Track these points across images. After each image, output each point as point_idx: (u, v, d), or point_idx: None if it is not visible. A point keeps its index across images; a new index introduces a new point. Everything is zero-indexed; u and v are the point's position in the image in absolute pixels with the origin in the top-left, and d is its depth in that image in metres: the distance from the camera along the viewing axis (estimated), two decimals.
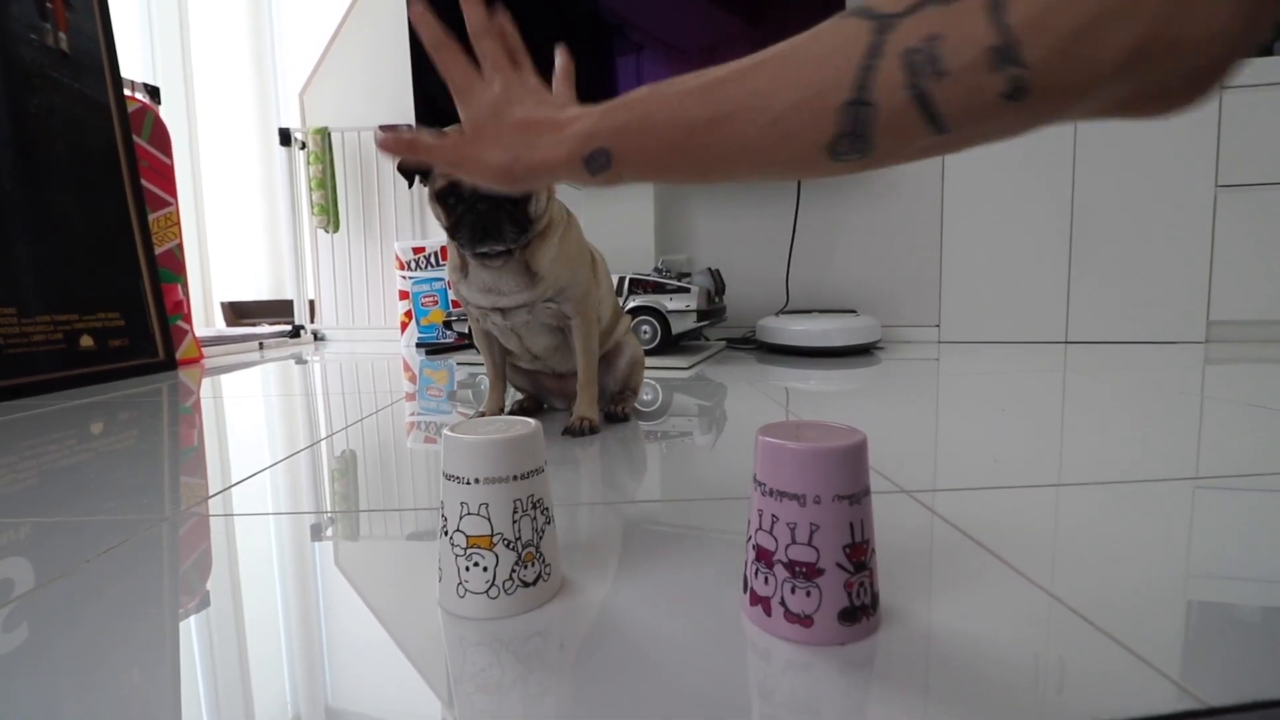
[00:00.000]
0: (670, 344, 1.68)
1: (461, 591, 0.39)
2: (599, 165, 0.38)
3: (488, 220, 0.79)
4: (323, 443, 0.89)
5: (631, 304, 1.68)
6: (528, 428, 0.41)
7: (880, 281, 2.10)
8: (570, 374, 0.94)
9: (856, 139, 0.29)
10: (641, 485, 0.68)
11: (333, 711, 0.33)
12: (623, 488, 0.67)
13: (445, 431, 0.40)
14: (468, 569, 0.39)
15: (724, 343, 2.02)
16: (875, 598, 0.37)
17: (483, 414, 0.94)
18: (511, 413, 0.99)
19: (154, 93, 1.95)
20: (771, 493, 0.36)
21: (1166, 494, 0.60)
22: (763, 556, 0.37)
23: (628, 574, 0.46)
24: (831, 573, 0.35)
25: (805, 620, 0.35)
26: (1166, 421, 0.90)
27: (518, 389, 1.04)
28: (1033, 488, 0.62)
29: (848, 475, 0.35)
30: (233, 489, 0.68)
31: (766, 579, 0.37)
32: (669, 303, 1.66)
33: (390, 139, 0.45)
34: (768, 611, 0.37)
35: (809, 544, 0.35)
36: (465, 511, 0.39)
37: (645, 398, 1.15)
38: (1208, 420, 0.89)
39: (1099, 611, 0.39)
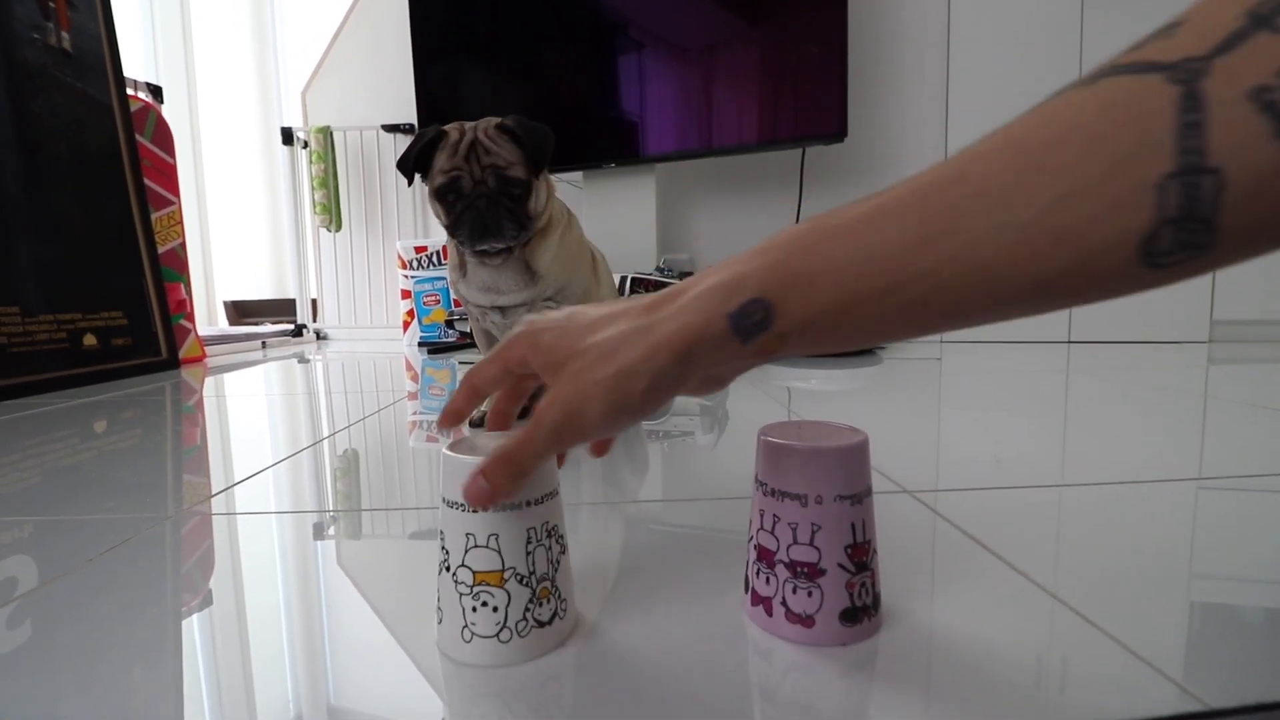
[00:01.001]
0: None
1: (467, 635, 0.34)
2: (753, 324, 0.27)
3: (487, 217, 0.79)
4: (325, 441, 0.89)
5: None
6: None
7: None
8: None
9: (1190, 226, 0.20)
10: (643, 485, 0.68)
11: (335, 710, 0.33)
12: (624, 487, 0.67)
13: (444, 451, 0.35)
14: (474, 609, 0.34)
15: None
16: (877, 598, 0.37)
17: (484, 413, 0.94)
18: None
19: (157, 92, 1.95)
20: (773, 493, 0.36)
21: (1169, 494, 0.60)
22: (764, 556, 0.37)
23: (628, 577, 0.46)
24: (833, 573, 0.35)
25: (807, 620, 0.35)
26: (1169, 422, 0.90)
27: None
28: (1035, 488, 0.62)
29: (849, 475, 0.35)
30: (235, 488, 0.68)
31: (768, 579, 0.36)
32: None
33: (474, 491, 0.32)
34: (769, 612, 0.36)
35: (810, 544, 0.35)
36: (472, 544, 0.34)
37: None
38: (1211, 420, 0.89)
39: (1101, 612, 0.39)
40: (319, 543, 0.55)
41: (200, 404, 1.25)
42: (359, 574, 0.48)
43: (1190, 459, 0.71)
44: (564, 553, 0.37)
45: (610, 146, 1.94)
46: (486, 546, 0.34)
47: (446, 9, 2.05)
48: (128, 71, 1.76)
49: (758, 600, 0.37)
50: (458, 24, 2.06)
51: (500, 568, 0.34)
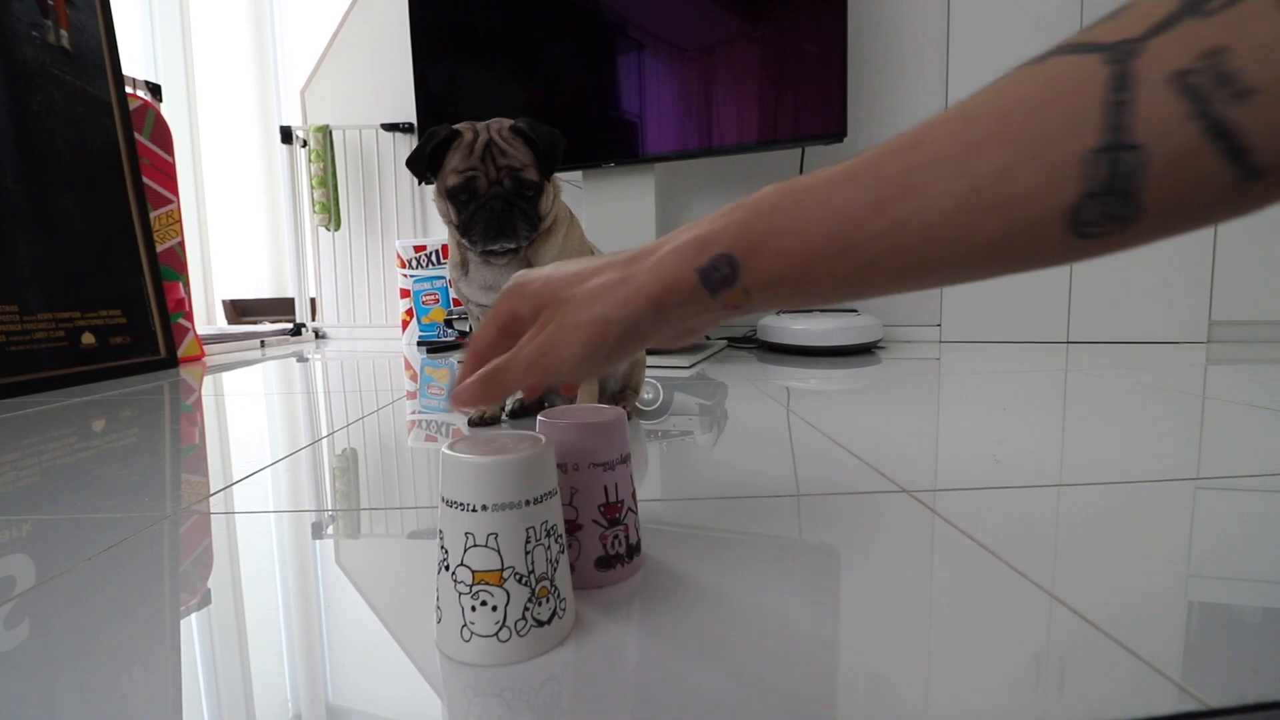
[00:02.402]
0: None
1: (466, 635, 0.35)
2: (720, 278, 0.29)
3: (501, 218, 0.79)
4: (324, 441, 0.89)
5: None
6: (538, 445, 0.36)
7: None
8: None
9: (1113, 198, 0.22)
10: (642, 485, 0.68)
11: (334, 710, 0.33)
12: None
13: (444, 450, 0.36)
14: (474, 608, 0.34)
15: (725, 342, 2.02)
16: (631, 548, 0.45)
17: (483, 413, 0.94)
18: (513, 412, 0.99)
19: (156, 90, 1.95)
20: (561, 466, 0.42)
21: (1168, 494, 0.60)
22: None
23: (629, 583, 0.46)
24: (589, 528, 0.42)
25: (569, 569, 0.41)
26: (1168, 422, 0.90)
27: None
28: (1034, 487, 0.62)
29: (602, 446, 0.42)
30: (234, 487, 0.68)
31: None
32: None
33: (464, 393, 0.37)
34: None
35: (570, 504, 0.42)
36: (471, 543, 0.34)
37: (646, 396, 1.15)
38: (1209, 421, 0.89)
39: (1100, 612, 0.39)
40: (318, 542, 0.55)
41: (199, 403, 1.25)
42: (358, 573, 0.48)
43: (1189, 459, 0.71)
44: (563, 552, 0.37)
45: (610, 146, 1.94)
46: (485, 545, 0.34)
47: (446, 8, 2.05)
48: (127, 70, 1.75)
49: None
50: (458, 23, 2.05)
51: (499, 567, 0.34)
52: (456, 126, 0.80)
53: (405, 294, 2.30)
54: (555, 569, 0.36)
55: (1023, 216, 0.23)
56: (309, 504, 0.65)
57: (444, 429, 0.96)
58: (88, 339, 1.52)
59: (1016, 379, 1.29)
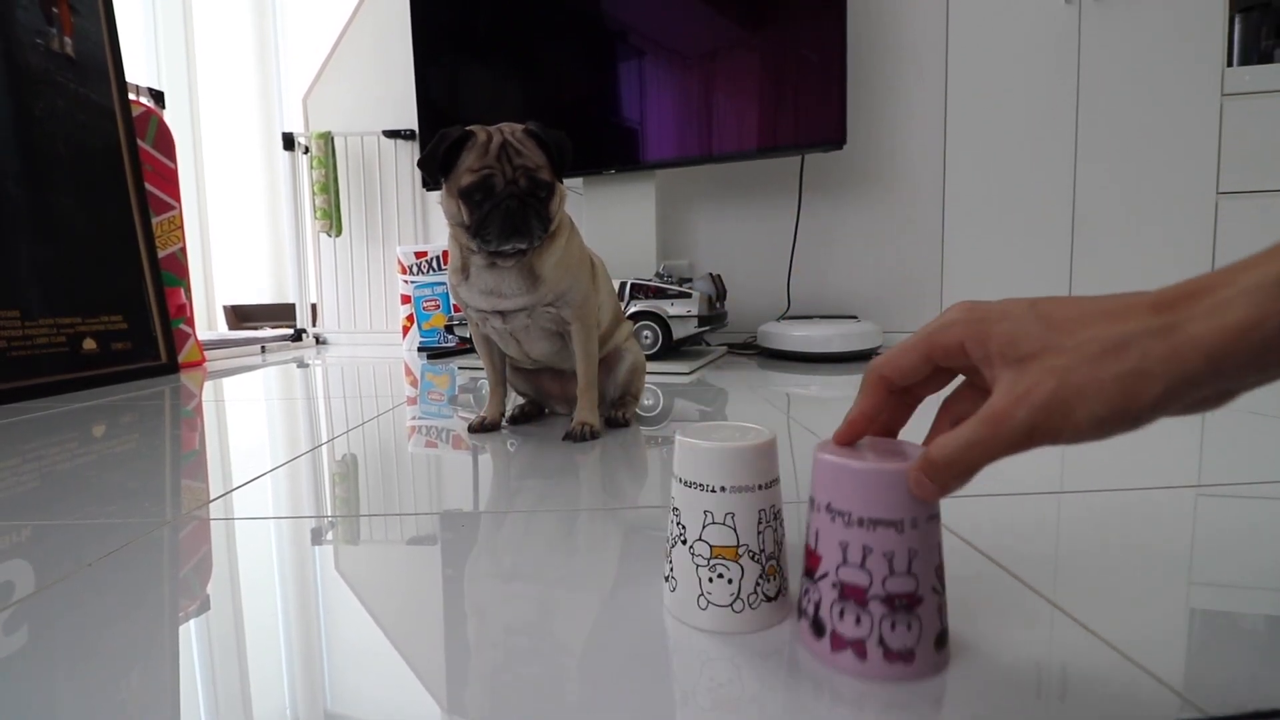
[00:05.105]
0: (671, 349, 1.68)
1: (703, 603, 0.38)
2: None
3: (517, 217, 0.79)
4: (324, 447, 0.89)
5: (633, 309, 1.68)
6: (765, 435, 0.39)
7: (882, 287, 2.10)
8: (571, 373, 0.94)
9: None
10: (642, 491, 0.68)
11: (332, 716, 0.33)
12: (623, 493, 0.67)
13: (680, 437, 0.39)
14: (711, 580, 0.38)
15: (725, 348, 2.02)
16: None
17: (483, 419, 0.94)
18: (512, 418, 0.99)
19: (158, 97, 1.96)
20: (862, 522, 0.33)
21: (1169, 502, 0.60)
22: (852, 594, 0.33)
23: (631, 582, 0.46)
24: (928, 599, 0.33)
25: (908, 656, 0.33)
26: (1168, 429, 0.90)
27: (519, 393, 1.04)
28: (1034, 494, 0.62)
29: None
30: (234, 493, 0.68)
31: (859, 618, 0.33)
32: (670, 308, 1.66)
33: (928, 483, 0.31)
34: (862, 655, 0.33)
35: (909, 573, 0.32)
36: (709, 521, 0.37)
37: (646, 403, 1.15)
38: (1210, 428, 0.89)
39: (1101, 620, 0.38)
40: (317, 548, 0.55)
41: (199, 408, 1.25)
42: (357, 579, 0.48)
43: (1189, 466, 0.71)
44: (784, 536, 0.40)
45: (611, 153, 1.95)
46: (723, 523, 0.37)
47: (448, 16, 2.06)
48: (130, 76, 1.76)
49: (842, 644, 0.34)
50: (459, 31, 2.06)
51: (735, 543, 0.37)
52: (470, 128, 0.81)
53: (406, 300, 2.30)
54: (779, 550, 0.39)
55: None
56: (309, 510, 0.64)
57: (444, 435, 0.95)
58: (89, 344, 1.52)
59: None
